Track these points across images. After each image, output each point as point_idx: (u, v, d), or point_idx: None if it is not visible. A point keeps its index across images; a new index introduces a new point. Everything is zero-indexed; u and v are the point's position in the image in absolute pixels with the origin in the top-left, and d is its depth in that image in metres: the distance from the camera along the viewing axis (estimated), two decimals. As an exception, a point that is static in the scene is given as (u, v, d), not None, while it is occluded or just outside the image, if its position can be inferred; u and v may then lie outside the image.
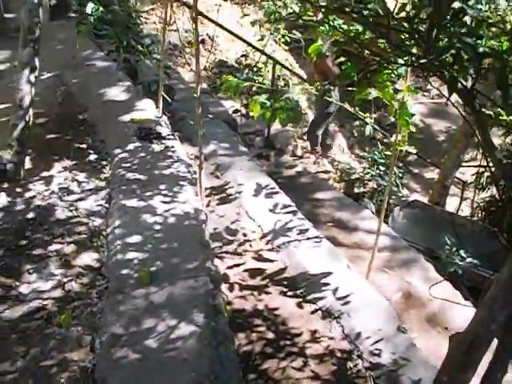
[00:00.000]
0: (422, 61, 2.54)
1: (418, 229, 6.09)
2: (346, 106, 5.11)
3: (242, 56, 9.05)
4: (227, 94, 4.90)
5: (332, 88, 6.12)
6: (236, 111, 7.21)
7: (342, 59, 3.78)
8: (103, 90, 5.57)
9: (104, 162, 4.62)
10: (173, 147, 4.72)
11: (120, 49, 6.41)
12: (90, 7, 5.58)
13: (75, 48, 6.22)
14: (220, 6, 6.76)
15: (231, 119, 7.09)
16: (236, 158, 5.73)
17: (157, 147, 4.70)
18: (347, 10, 3.22)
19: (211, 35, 9.13)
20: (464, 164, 7.98)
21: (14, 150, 3.24)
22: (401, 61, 3.20)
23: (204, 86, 7.79)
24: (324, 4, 3.21)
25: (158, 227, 3.74)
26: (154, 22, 9.33)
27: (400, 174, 6.63)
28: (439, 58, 2.45)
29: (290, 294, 3.95)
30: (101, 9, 5.53)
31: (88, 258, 3.67)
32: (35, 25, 3.36)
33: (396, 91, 3.91)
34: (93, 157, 4.67)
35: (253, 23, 8.70)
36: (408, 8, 2.78)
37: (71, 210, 4.05)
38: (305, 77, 9.24)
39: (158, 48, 7.39)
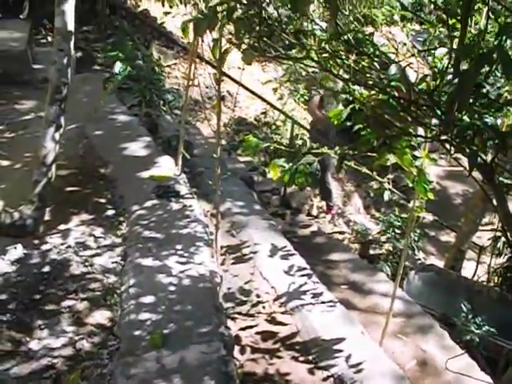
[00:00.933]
0: (443, 137, 2.56)
1: (433, 294, 6.02)
2: (364, 169, 5.14)
3: (262, 114, 9.18)
4: (246, 154, 4.98)
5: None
6: (253, 169, 7.27)
7: (361, 125, 3.83)
8: (124, 145, 5.66)
9: (121, 218, 4.65)
10: (191, 206, 4.75)
11: (142, 103, 6.54)
12: (118, 67, 5.72)
13: (98, 101, 6.35)
14: (243, 69, 6.92)
15: (248, 176, 7.15)
16: (252, 216, 5.76)
17: (175, 206, 4.73)
18: (370, 83, 3.28)
19: (232, 92, 9.32)
20: (481, 228, 7.93)
21: (34, 206, 3.28)
22: (420, 132, 3.24)
23: (223, 142, 7.88)
24: (347, 77, 3.28)
25: (172, 288, 3.72)
26: (176, 77, 9.54)
27: (416, 237, 6.59)
28: (460, 134, 2.47)
29: (301, 359, 3.90)
30: (128, 69, 5.67)
31: (101, 317, 3.65)
32: (63, 85, 3.45)
33: (415, 158, 3.94)
34: (111, 212, 4.71)
35: (275, 89, 8.85)
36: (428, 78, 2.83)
37: (86, 266, 4.06)
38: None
39: (179, 103, 7.54)
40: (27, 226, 3.26)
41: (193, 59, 5.77)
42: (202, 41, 5.23)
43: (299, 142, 8.63)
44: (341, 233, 6.84)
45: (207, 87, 9.24)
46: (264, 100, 7.85)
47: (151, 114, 6.59)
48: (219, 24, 3.57)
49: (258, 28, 3.41)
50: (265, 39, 3.38)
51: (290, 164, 4.14)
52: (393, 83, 2.69)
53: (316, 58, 3.52)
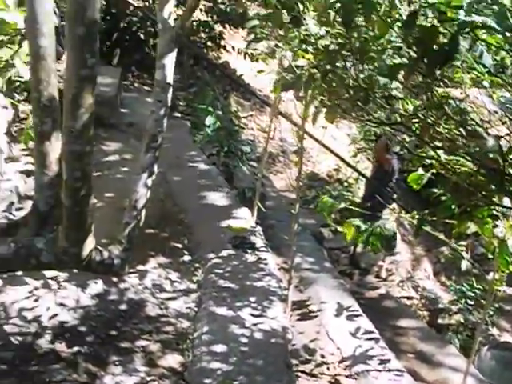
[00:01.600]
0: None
1: (507, 374, 5.75)
2: (441, 236, 5.09)
3: (334, 170, 9.23)
4: (320, 213, 5.01)
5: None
6: (324, 225, 7.28)
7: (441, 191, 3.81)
8: (203, 193, 5.82)
9: (197, 265, 4.74)
10: (265, 259, 4.81)
11: (220, 153, 6.74)
12: (208, 120, 5.94)
13: (181, 148, 6.57)
14: (326, 127, 7.05)
15: (318, 232, 7.17)
16: (320, 273, 5.74)
17: (250, 257, 4.80)
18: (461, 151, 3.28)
19: (305, 146, 9.44)
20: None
21: (123, 247, 3.41)
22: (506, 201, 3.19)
23: (293, 196, 7.96)
24: (439, 145, 3.30)
25: (244, 340, 3.74)
26: (252, 128, 9.75)
27: (491, 311, 6.37)
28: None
29: (365, 426, 3.82)
30: (218, 123, 5.88)
31: (172, 360, 3.70)
32: (159, 133, 3.62)
33: (496, 227, 3.86)
34: (187, 258, 4.82)
35: (357, 152, 8.90)
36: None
37: (161, 308, 4.15)
38: (394, 196, 9.29)
39: (255, 155, 7.72)
40: (115, 266, 3.40)
41: (274, 114, 5.95)
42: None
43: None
44: (409, 298, 6.70)
45: (281, 140, 9.43)
46: (337, 156, 7.90)
47: (228, 164, 6.76)
48: (311, 85, 3.67)
49: (351, 91, 3.50)
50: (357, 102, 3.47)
51: (366, 225, 4.14)
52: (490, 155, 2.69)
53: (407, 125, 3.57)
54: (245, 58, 9.64)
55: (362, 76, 3.51)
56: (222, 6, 9.87)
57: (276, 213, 6.75)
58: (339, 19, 3.41)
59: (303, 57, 3.97)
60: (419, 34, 2.67)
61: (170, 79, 3.80)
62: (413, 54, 2.98)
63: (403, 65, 3.15)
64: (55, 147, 3.14)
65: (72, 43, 2.80)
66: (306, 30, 3.90)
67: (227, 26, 10.50)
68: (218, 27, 10.28)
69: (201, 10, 9.64)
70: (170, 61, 3.83)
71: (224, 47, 10.39)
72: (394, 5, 3.09)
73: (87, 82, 2.83)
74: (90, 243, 3.28)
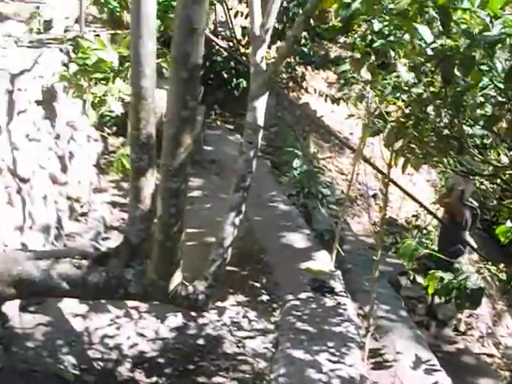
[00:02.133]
0: None
1: None
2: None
3: (413, 216, 9.07)
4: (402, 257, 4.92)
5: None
6: (402, 273, 7.14)
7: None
8: (283, 233, 5.87)
9: (275, 305, 4.77)
10: (344, 305, 4.77)
11: (300, 194, 6.78)
12: (296, 163, 6.03)
13: (261, 187, 6.66)
14: (412, 174, 7.01)
15: (395, 280, 7.02)
16: (397, 323, 5.62)
17: (329, 301, 4.78)
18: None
19: (383, 191, 9.34)
20: None
21: (208, 283, 3.48)
22: None
23: (370, 240, 7.87)
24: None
25: (321, 386, 3.71)
26: (330, 170, 9.76)
27: None
28: None
29: None
30: (305, 167, 5.96)
31: (249, 401, 3.72)
32: (248, 174, 3.70)
33: None
34: (265, 297, 4.85)
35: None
36: None
37: (239, 347, 4.18)
38: (475, 246, 9.00)
39: (334, 197, 7.72)
40: (199, 301, 3.45)
41: (357, 159, 5.95)
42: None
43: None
44: (489, 355, 6.41)
45: (360, 183, 9.38)
46: (418, 202, 7.77)
47: (307, 205, 6.79)
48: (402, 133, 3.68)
49: (444, 141, 3.48)
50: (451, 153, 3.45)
51: (450, 278, 4.00)
52: None
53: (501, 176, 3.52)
54: (326, 100, 9.73)
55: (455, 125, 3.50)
56: (305, 49, 10.02)
57: (352, 257, 6.68)
58: (433, 68, 3.43)
59: (394, 103, 3.99)
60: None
61: (260, 122, 3.89)
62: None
63: (500, 117, 3.12)
64: (150, 183, 3.27)
65: (175, 86, 2.93)
66: (397, 76, 3.92)
67: (309, 67, 10.67)
68: (299, 68, 10.46)
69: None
70: (261, 104, 3.94)
71: (305, 89, 10.53)
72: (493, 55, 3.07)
73: (187, 122, 2.95)
74: (177, 277, 3.36)
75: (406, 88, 3.66)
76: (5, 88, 4.37)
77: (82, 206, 5.89)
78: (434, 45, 3.33)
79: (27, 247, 4.40)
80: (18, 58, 5.07)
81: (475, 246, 7.23)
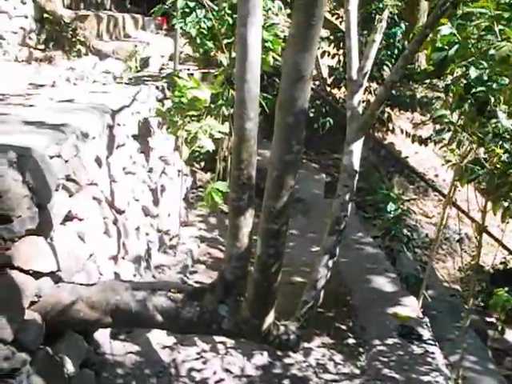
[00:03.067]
0: None
1: None
2: None
3: (501, 264, 8.75)
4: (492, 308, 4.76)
5: None
6: (491, 324, 6.88)
7: None
8: (369, 276, 5.82)
9: (361, 349, 4.70)
10: (433, 353, 4.65)
11: (386, 236, 6.71)
12: (390, 206, 6.01)
13: (348, 228, 6.62)
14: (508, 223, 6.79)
15: (482, 330, 6.76)
16: (484, 375, 5.41)
17: (416, 349, 4.67)
18: None
19: (470, 235, 9.09)
20: None
21: (299, 324, 3.49)
22: None
23: (455, 287, 7.65)
24: None
25: None
26: (414, 213, 9.59)
27: None
28: None
29: None
30: (399, 210, 5.92)
31: None
32: (343, 217, 3.72)
33: None
34: (351, 341, 4.80)
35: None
36: None
37: (326, 390, 4.15)
38: None
39: (419, 240, 7.57)
40: (290, 341, 3.47)
41: (448, 203, 5.84)
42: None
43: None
44: None
45: (444, 227, 9.15)
46: (506, 248, 7.50)
47: (392, 248, 6.71)
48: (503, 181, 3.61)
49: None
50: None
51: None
52: None
53: None
54: (413, 141, 9.64)
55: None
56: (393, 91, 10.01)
57: (438, 303, 6.50)
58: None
59: (493, 150, 3.93)
60: None
61: (356, 166, 3.92)
62: None
63: None
64: (248, 222, 3.34)
65: (280, 130, 3.02)
66: (497, 123, 3.87)
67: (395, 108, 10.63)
68: (386, 109, 10.44)
69: (370, 92, 9.87)
70: (357, 148, 3.97)
71: (391, 129, 10.48)
72: None
73: (291, 166, 3.02)
74: (270, 317, 3.40)
75: (507, 136, 3.60)
76: (106, 123, 4.60)
77: (171, 239, 6.07)
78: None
79: (120, 276, 4.58)
80: (117, 95, 5.35)
81: None
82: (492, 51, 3.68)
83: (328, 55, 10.33)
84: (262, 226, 3.17)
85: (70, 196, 3.79)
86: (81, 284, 3.56)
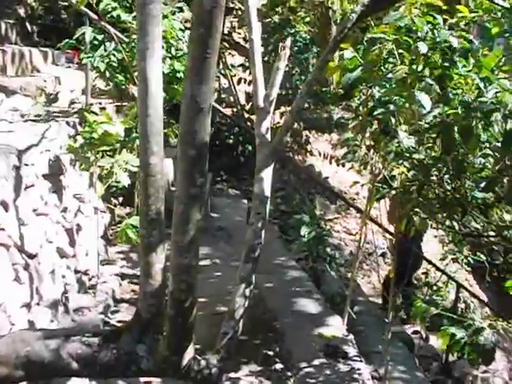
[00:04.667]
0: None
1: None
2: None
3: (423, 274, 9.02)
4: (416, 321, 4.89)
5: None
6: (415, 332, 7.07)
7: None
8: (294, 300, 5.85)
9: (289, 373, 4.70)
10: (359, 369, 4.71)
11: (309, 258, 6.79)
12: (304, 230, 6.08)
13: (270, 253, 6.67)
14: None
15: (408, 339, 6.94)
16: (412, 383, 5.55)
17: (342, 367, 4.72)
18: None
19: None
20: None
21: (220, 357, 3.45)
22: None
23: (379, 301, 7.80)
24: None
25: None
26: (338, 231, 9.78)
27: None
28: None
29: None
30: (313, 233, 6.00)
31: None
32: (257, 245, 3.73)
33: None
34: (279, 366, 4.79)
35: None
36: None
37: (254, 419, 4.10)
38: (486, 300, 8.90)
39: (342, 258, 7.71)
40: (212, 375, 3.41)
41: (365, 221, 5.99)
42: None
43: (461, 305, 8.27)
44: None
45: (368, 243, 9.36)
46: (426, 260, 7.76)
47: (316, 268, 6.79)
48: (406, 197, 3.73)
49: (447, 204, 3.52)
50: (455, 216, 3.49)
51: (462, 334, 3.96)
52: None
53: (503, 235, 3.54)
54: (330, 162, 9.86)
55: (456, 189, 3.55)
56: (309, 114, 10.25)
57: (364, 318, 6.63)
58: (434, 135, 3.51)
59: (398, 168, 4.06)
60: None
61: (267, 193, 3.96)
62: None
63: (500, 179, 3.18)
64: (160, 258, 3.29)
65: (183, 163, 3.00)
66: (399, 143, 4.01)
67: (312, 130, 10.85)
68: (304, 133, 10.64)
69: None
70: (267, 175, 4.01)
71: (310, 151, 10.68)
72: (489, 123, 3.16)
73: (196, 199, 3.00)
74: (189, 352, 3.34)
75: (407, 154, 3.73)
76: (12, 164, 4.44)
77: (90, 279, 5.90)
78: (433, 111, 3.44)
79: (34, 325, 4.40)
80: (24, 133, 5.19)
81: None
82: (390, 75, 3.84)
83: (245, 82, 10.45)
84: (172, 262, 3.13)
85: (-27, 245, 3.62)
86: (-14, 338, 3.38)
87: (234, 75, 10.82)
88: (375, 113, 4.03)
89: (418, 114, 3.71)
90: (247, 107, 10.63)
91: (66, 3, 8.57)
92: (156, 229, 3.28)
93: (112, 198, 7.14)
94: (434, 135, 3.34)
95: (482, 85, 3.31)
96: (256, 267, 3.70)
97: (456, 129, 2.85)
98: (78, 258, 5.75)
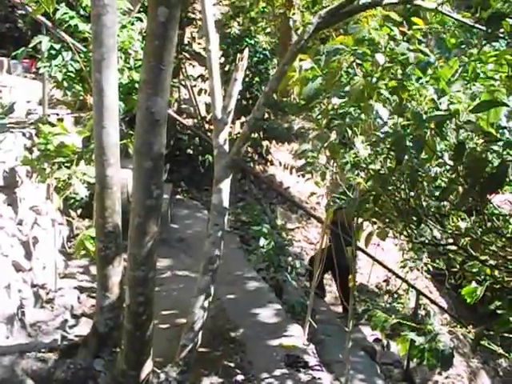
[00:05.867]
0: None
1: None
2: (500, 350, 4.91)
3: (384, 281, 9.14)
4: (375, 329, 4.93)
5: None
6: (376, 340, 7.13)
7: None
8: (254, 310, 5.84)
9: (250, 385, 4.69)
10: (320, 378, 4.73)
11: (270, 268, 6.79)
12: (262, 241, 6.09)
13: (231, 264, 6.66)
14: (378, 245, 7.11)
15: (370, 347, 7.00)
16: (375, 390, 5.60)
17: (303, 376, 4.73)
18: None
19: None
20: None
21: (179, 369, 3.43)
22: None
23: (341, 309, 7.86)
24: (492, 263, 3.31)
25: None
26: (299, 240, 9.82)
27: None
28: None
29: None
30: (272, 243, 6.02)
31: None
32: (216, 257, 3.73)
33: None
34: (240, 377, 4.77)
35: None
36: None
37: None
38: (445, 306, 9.06)
39: (303, 268, 7.73)
40: (172, 389, 3.40)
41: (325, 232, 6.05)
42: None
43: (422, 312, 8.40)
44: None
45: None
46: (386, 268, 7.86)
47: (278, 278, 6.79)
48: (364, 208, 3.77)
49: (403, 214, 3.58)
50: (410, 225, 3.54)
51: (421, 340, 4.02)
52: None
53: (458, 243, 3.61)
54: (291, 172, 9.90)
55: (412, 199, 3.61)
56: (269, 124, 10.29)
57: (325, 327, 6.66)
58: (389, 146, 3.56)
59: (354, 179, 4.10)
60: (468, 165, 2.76)
61: (226, 203, 3.96)
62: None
63: (454, 189, 3.25)
64: (117, 271, 3.27)
65: (139, 175, 2.99)
66: (356, 153, 4.05)
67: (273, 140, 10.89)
68: (264, 142, 10.67)
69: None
70: (225, 186, 4.01)
71: (271, 161, 10.71)
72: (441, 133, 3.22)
73: (152, 211, 2.99)
74: (148, 366, 3.31)
75: (364, 165, 3.78)
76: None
77: (47, 293, 5.77)
78: (389, 121, 3.50)
79: (-11, 341, 4.28)
80: (-22, 145, 5.08)
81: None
82: (347, 88, 3.88)
83: (205, 92, 10.43)
84: (128, 274, 3.10)
85: None
86: None
87: (195, 86, 10.79)
88: (332, 124, 4.07)
89: (374, 125, 3.76)
90: (208, 118, 10.62)
91: (23, 12, 8.41)
92: (113, 241, 3.26)
93: (70, 211, 7.01)
94: (388, 146, 3.39)
95: (435, 96, 3.38)
96: (215, 279, 3.69)
97: (409, 141, 2.90)
98: (35, 271, 5.61)
